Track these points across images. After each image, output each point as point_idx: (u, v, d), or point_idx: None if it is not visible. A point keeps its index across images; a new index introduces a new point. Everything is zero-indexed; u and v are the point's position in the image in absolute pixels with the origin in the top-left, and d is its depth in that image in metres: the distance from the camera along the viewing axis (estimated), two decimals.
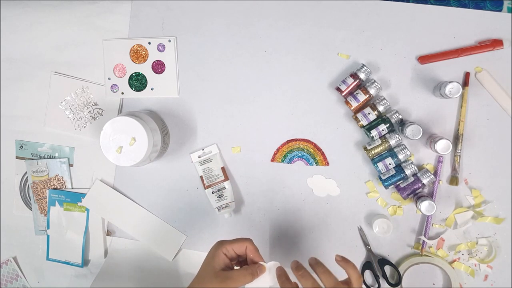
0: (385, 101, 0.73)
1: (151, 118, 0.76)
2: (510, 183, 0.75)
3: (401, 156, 0.72)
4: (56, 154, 0.85)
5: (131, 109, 0.83)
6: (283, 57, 0.79)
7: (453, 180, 0.75)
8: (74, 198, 0.84)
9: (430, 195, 0.75)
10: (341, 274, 0.59)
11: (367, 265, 0.77)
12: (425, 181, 0.72)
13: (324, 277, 0.56)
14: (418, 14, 0.76)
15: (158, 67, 0.81)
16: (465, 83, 0.75)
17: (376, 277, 0.76)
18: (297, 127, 0.79)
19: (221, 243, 0.61)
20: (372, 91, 0.73)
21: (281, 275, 0.58)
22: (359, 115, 0.74)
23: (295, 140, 0.79)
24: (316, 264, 0.58)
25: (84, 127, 0.83)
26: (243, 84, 0.80)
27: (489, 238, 0.75)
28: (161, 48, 0.81)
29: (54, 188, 0.84)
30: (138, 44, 0.81)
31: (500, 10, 0.76)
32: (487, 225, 0.75)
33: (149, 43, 0.81)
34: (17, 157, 0.86)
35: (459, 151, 0.74)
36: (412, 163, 0.72)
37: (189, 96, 0.81)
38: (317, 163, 0.78)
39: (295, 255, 0.79)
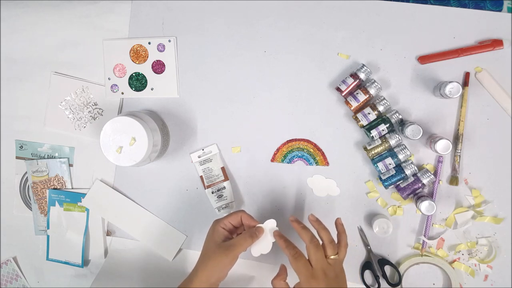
0: (385, 101, 0.73)
1: (151, 118, 0.76)
2: (510, 183, 0.75)
3: (401, 156, 0.72)
4: (56, 154, 0.85)
5: (131, 109, 0.83)
6: (283, 57, 0.79)
7: (453, 180, 0.75)
8: (74, 198, 0.84)
9: (430, 195, 0.75)
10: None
11: (367, 265, 0.77)
12: (425, 181, 0.72)
13: (322, 232, 0.63)
14: (418, 14, 0.76)
15: (158, 67, 0.81)
16: (465, 83, 0.75)
17: (376, 277, 0.76)
18: (297, 127, 0.79)
19: (217, 220, 0.67)
20: (372, 91, 0.73)
21: (281, 236, 0.63)
22: (359, 115, 0.74)
23: (295, 140, 0.79)
24: (316, 221, 0.65)
25: (84, 127, 0.83)
26: (243, 84, 0.80)
27: (489, 238, 0.75)
28: (161, 48, 0.81)
29: (54, 188, 0.84)
30: (138, 44, 0.81)
31: (500, 10, 0.76)
32: (487, 225, 0.75)
33: (149, 43, 0.81)
34: (17, 157, 0.86)
35: (459, 151, 0.74)
36: (412, 163, 0.72)
37: (189, 96, 0.81)
38: (317, 163, 0.78)
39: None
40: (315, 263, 0.59)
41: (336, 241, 0.63)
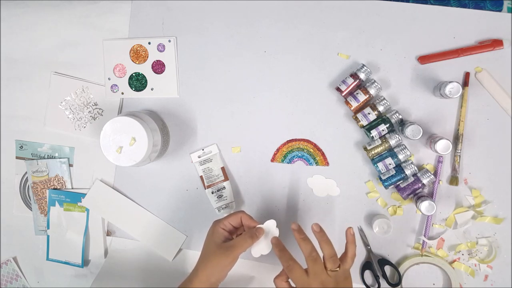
0: (385, 101, 0.73)
1: (151, 118, 0.76)
2: (510, 183, 0.75)
3: (401, 156, 0.72)
4: (56, 154, 0.85)
5: (131, 109, 0.83)
6: (283, 57, 0.79)
7: (453, 180, 0.75)
8: (74, 198, 0.84)
9: (430, 195, 0.75)
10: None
11: (367, 265, 0.77)
12: (425, 181, 0.72)
13: (323, 246, 0.60)
14: (418, 14, 0.76)
15: (158, 67, 0.81)
16: (465, 83, 0.75)
17: (376, 277, 0.76)
18: (297, 127, 0.79)
19: (217, 221, 0.66)
20: (372, 91, 0.73)
21: (277, 245, 0.61)
22: (359, 115, 0.74)
23: (295, 140, 0.79)
24: (319, 232, 0.61)
25: (84, 127, 0.83)
26: (243, 84, 0.80)
27: (489, 238, 0.75)
28: (161, 48, 0.81)
29: (54, 188, 0.84)
30: (138, 44, 0.81)
31: (500, 10, 0.76)
32: (487, 225, 0.75)
33: (149, 43, 0.81)
34: (17, 157, 0.86)
35: (459, 151, 0.74)
36: (412, 163, 0.72)
37: (189, 96, 0.81)
38: (317, 163, 0.78)
39: (295, 255, 0.79)
40: (312, 276, 0.58)
41: (342, 253, 0.62)
